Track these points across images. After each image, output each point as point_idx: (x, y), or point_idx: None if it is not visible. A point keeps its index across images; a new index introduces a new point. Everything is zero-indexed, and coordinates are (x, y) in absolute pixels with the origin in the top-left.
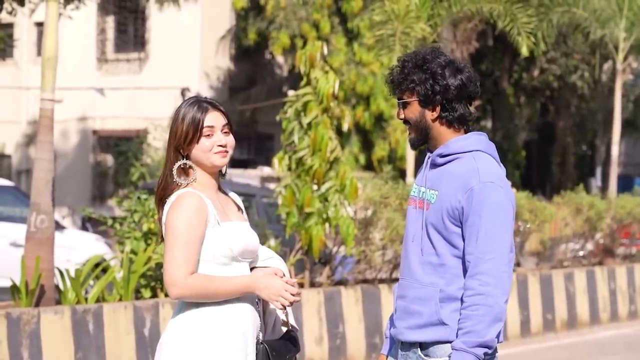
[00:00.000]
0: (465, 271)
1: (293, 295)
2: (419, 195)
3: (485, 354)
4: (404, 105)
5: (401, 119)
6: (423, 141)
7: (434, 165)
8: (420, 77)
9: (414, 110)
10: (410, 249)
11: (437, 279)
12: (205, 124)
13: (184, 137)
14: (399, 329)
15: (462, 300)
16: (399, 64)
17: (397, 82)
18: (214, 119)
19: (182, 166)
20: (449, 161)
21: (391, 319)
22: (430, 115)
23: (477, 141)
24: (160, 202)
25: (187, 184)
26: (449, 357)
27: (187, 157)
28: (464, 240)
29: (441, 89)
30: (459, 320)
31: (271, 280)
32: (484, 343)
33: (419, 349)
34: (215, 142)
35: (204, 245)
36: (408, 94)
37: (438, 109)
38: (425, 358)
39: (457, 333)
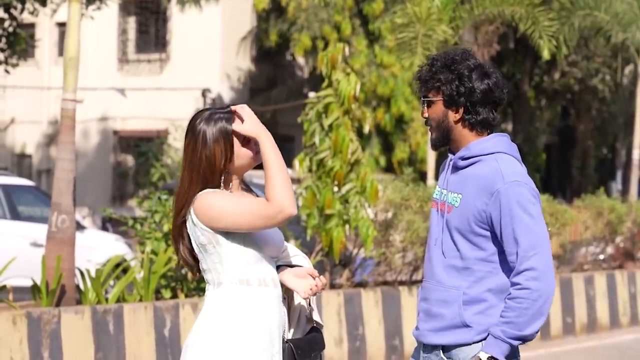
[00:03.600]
0: (495, 272)
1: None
2: (440, 198)
3: (521, 343)
4: (429, 104)
5: (425, 118)
6: (444, 142)
7: (456, 168)
8: (446, 77)
9: (438, 110)
10: (433, 252)
11: (460, 281)
12: (242, 137)
13: (223, 159)
14: (421, 331)
15: (509, 293)
16: (429, 62)
17: (424, 79)
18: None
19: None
20: (471, 164)
21: None
22: (453, 116)
23: (499, 143)
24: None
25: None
26: (474, 357)
27: (221, 171)
28: (495, 242)
29: (466, 90)
30: (503, 308)
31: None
32: (521, 336)
33: (441, 351)
34: (252, 142)
35: (232, 244)
36: (434, 92)
37: (461, 111)
38: None
39: (498, 321)
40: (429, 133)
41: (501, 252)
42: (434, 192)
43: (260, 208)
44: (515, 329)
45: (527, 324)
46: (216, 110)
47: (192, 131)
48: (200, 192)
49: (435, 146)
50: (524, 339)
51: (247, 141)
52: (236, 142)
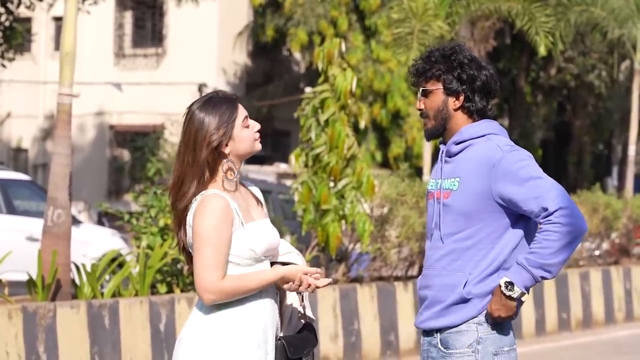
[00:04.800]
0: (490, 248)
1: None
2: (436, 188)
3: (543, 277)
4: (426, 94)
5: (420, 110)
6: (440, 132)
7: (449, 156)
8: (447, 66)
9: (437, 99)
10: (433, 240)
11: (464, 263)
12: (242, 117)
13: (220, 135)
14: (423, 316)
15: (539, 229)
16: (425, 54)
17: (422, 70)
18: (241, 109)
19: (226, 167)
20: (464, 149)
21: None
22: (452, 104)
23: (489, 126)
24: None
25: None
26: (470, 347)
27: (223, 156)
28: (509, 215)
29: (468, 78)
30: (532, 241)
31: (297, 269)
32: (544, 265)
33: (439, 340)
34: (254, 128)
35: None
36: (433, 81)
37: (462, 98)
38: (444, 350)
39: (526, 253)
40: (424, 124)
41: (510, 227)
42: (428, 186)
43: (210, 272)
44: (539, 257)
45: (551, 256)
46: (213, 95)
47: (190, 116)
48: (207, 194)
49: (430, 136)
50: (547, 270)
51: (247, 125)
52: (237, 125)
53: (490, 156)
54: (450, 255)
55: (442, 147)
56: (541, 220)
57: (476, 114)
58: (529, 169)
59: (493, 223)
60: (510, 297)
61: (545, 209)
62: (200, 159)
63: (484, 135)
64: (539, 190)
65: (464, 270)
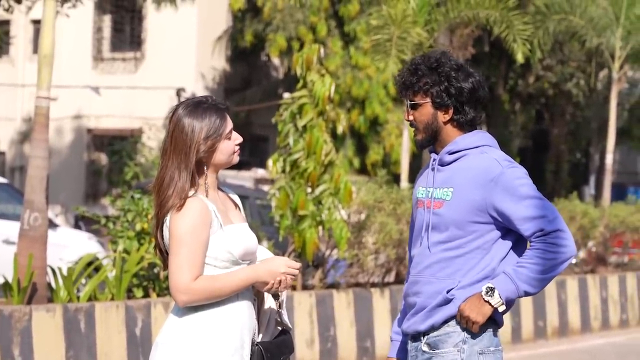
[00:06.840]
0: (482, 256)
1: (295, 270)
2: (427, 196)
3: (526, 292)
4: (414, 107)
5: (408, 121)
6: (431, 143)
7: (442, 165)
8: (434, 79)
9: (426, 112)
10: (422, 247)
11: (454, 271)
12: (228, 130)
13: (208, 146)
14: (410, 321)
15: (531, 244)
16: (411, 65)
17: (409, 83)
18: (229, 120)
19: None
20: (458, 158)
21: (399, 321)
22: (442, 117)
23: (483, 137)
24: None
25: (201, 187)
26: (456, 346)
27: (202, 162)
28: (498, 228)
29: (456, 91)
30: (522, 256)
31: (270, 261)
32: (532, 280)
33: (426, 344)
34: (235, 140)
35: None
36: (421, 95)
37: (451, 111)
38: (431, 351)
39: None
40: (414, 134)
41: (501, 238)
42: (417, 193)
43: (183, 273)
44: (529, 272)
45: (541, 273)
46: (203, 100)
47: (178, 119)
48: (189, 200)
49: (422, 146)
50: (532, 285)
51: (229, 137)
52: (223, 137)
53: (488, 170)
54: (440, 263)
55: (433, 155)
56: (534, 239)
57: (467, 125)
58: (527, 188)
59: (484, 234)
60: (487, 303)
61: (542, 230)
62: (186, 164)
63: (478, 147)
64: (537, 210)
65: (454, 278)
